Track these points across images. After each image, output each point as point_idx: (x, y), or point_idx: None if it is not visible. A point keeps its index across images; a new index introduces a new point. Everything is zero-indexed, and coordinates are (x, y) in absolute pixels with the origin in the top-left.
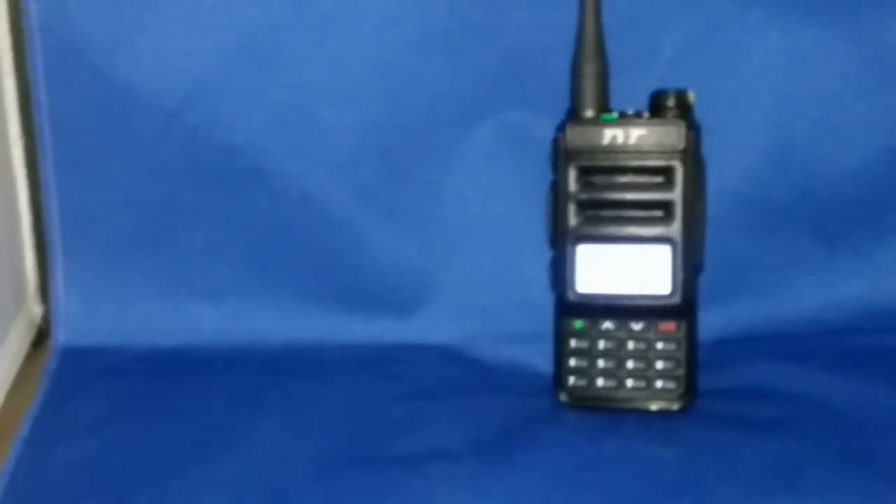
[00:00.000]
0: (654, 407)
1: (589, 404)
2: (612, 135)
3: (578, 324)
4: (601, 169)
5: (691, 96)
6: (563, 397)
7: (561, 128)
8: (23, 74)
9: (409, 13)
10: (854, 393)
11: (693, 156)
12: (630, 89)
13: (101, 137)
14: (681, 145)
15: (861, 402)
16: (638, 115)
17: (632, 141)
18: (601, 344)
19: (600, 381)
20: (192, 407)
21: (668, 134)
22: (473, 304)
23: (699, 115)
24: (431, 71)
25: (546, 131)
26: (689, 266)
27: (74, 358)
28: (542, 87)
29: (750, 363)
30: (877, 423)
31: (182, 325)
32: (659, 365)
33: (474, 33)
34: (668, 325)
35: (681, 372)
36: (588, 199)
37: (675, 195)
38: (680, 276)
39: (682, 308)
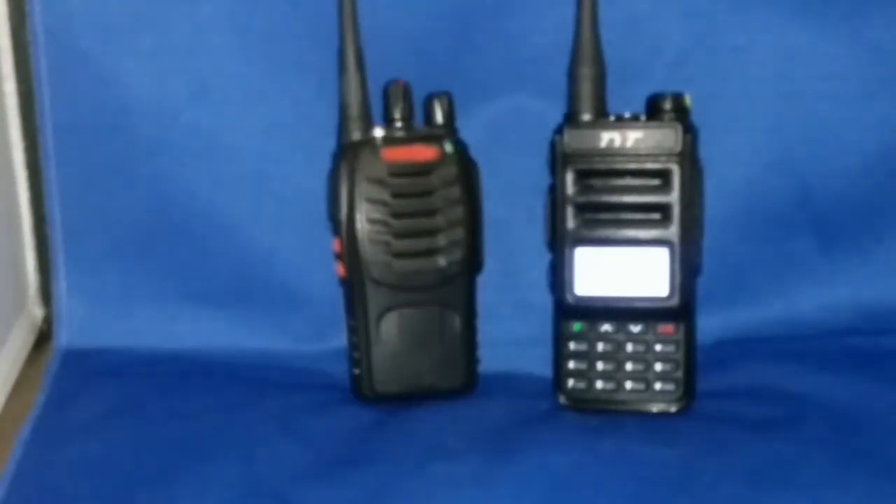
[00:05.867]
0: (653, 409)
1: (588, 406)
2: (609, 138)
3: (577, 326)
4: (599, 172)
5: (688, 99)
6: (562, 400)
7: (558, 131)
8: (24, 77)
9: (407, 15)
10: (851, 393)
11: (690, 159)
12: (629, 93)
13: (103, 140)
14: (678, 148)
15: (858, 402)
16: (635, 118)
17: (629, 144)
18: (600, 346)
19: (599, 384)
20: (193, 409)
21: (665, 137)
22: None
23: (697, 118)
24: (430, 73)
25: (544, 134)
26: (687, 268)
27: (76, 360)
28: (540, 90)
29: (748, 364)
30: (874, 422)
31: (183, 328)
32: (658, 367)
33: (472, 36)
34: (667, 328)
35: (679, 374)
36: (586, 202)
37: (673, 198)
38: (678, 279)
39: (680, 310)
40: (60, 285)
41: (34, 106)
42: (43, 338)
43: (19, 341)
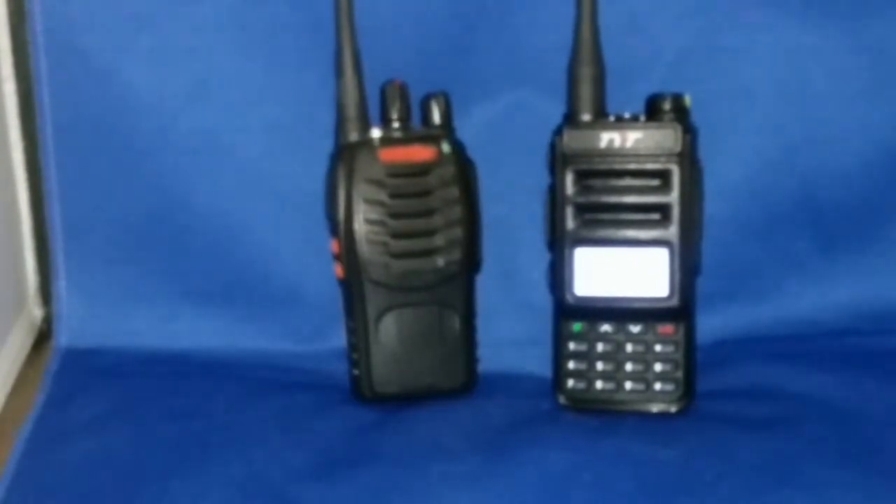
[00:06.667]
0: (652, 409)
1: (588, 407)
2: (609, 138)
3: (577, 326)
4: (598, 172)
5: (687, 100)
6: (562, 400)
7: (558, 131)
8: (23, 77)
9: (408, 16)
10: (850, 392)
11: (690, 159)
12: (629, 93)
13: (103, 140)
14: (677, 148)
15: (857, 401)
16: (635, 118)
17: (629, 144)
18: (600, 346)
19: (599, 384)
20: (193, 408)
21: (665, 137)
22: None
23: (697, 118)
24: (428, 72)
25: (544, 133)
26: (687, 268)
27: (76, 359)
28: (539, 89)
29: (747, 364)
30: (873, 421)
31: (183, 327)
32: (657, 367)
33: (470, 35)
34: (667, 328)
35: (679, 374)
36: (585, 202)
37: (673, 198)
38: (678, 279)
39: (680, 310)
40: (60, 285)
41: (34, 106)
42: (43, 337)
43: (19, 341)
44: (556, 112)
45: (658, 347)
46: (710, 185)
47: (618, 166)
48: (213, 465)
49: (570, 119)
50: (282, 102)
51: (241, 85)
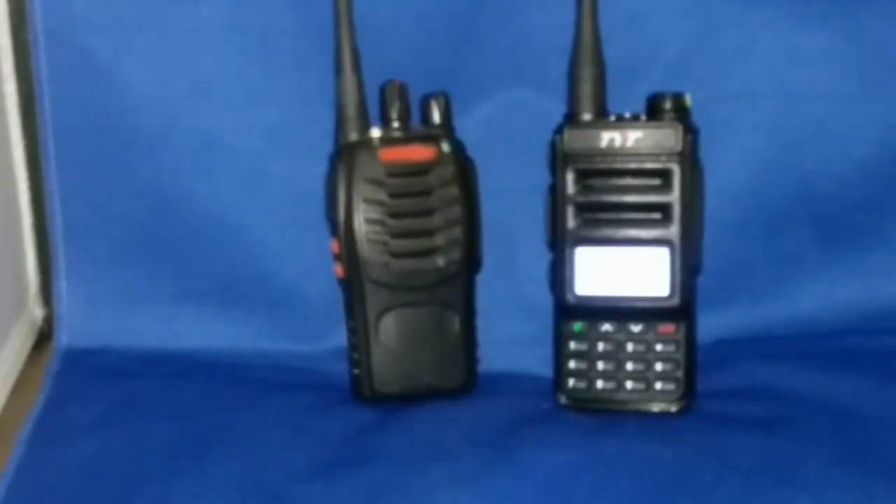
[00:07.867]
0: (653, 408)
1: (588, 406)
2: (609, 138)
3: (578, 326)
4: (599, 172)
5: (688, 99)
6: (562, 399)
7: (559, 131)
8: (24, 77)
9: (408, 16)
10: (851, 393)
11: (690, 158)
12: (629, 93)
13: (103, 139)
14: (678, 148)
15: (858, 402)
16: (635, 118)
17: (629, 144)
18: (600, 346)
19: (600, 384)
20: (194, 408)
21: (665, 137)
22: None
23: (698, 117)
24: (428, 72)
25: (544, 133)
26: (688, 268)
27: (76, 359)
28: (539, 88)
29: (748, 364)
30: (874, 421)
31: (183, 327)
32: (658, 367)
33: (470, 34)
34: (667, 327)
35: (680, 374)
36: (586, 201)
37: (673, 198)
38: (678, 278)
39: (680, 310)
40: (61, 285)
41: (34, 106)
42: (43, 338)
43: (19, 341)
44: (556, 112)
45: (659, 347)
46: (711, 184)
47: (618, 166)
48: (213, 465)
49: (571, 118)
50: (282, 102)
51: (241, 85)
